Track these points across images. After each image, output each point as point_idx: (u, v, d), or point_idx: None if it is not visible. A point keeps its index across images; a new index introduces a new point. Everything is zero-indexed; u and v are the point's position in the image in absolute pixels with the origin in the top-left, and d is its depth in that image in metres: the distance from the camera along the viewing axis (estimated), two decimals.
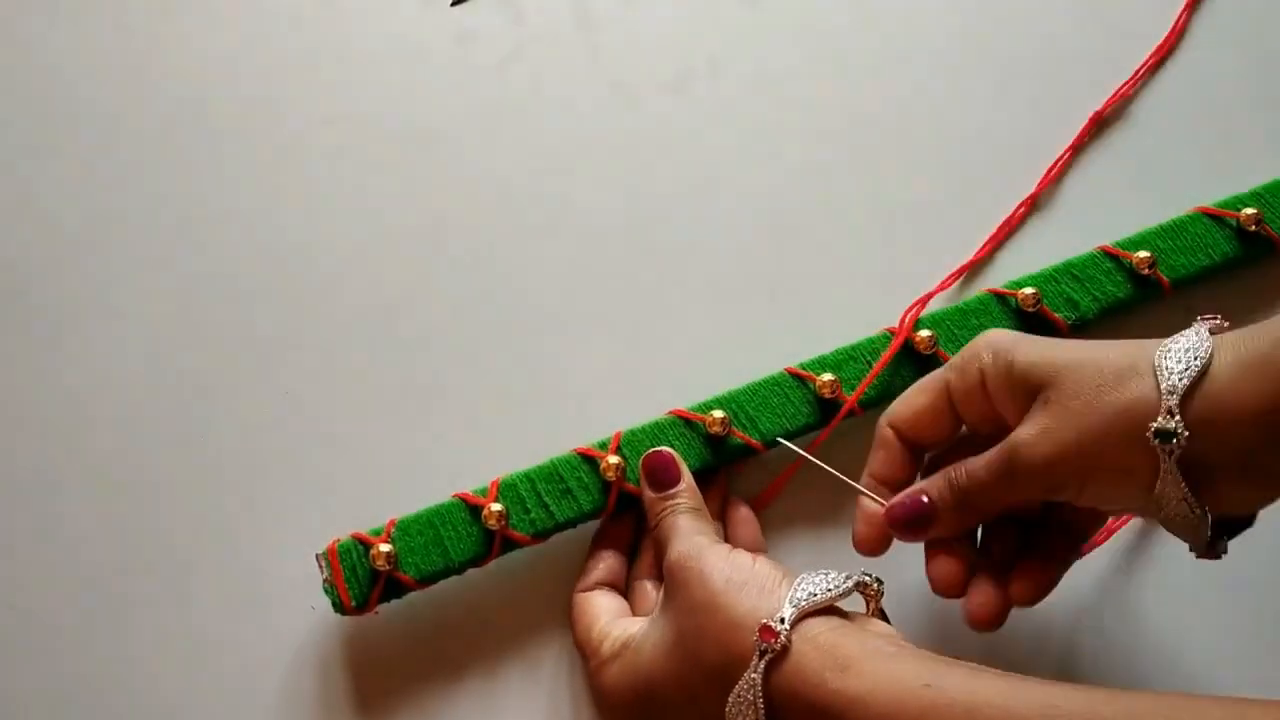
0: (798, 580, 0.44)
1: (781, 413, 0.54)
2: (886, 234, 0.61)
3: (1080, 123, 0.63)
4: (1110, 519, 0.51)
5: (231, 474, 0.55)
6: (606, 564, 0.52)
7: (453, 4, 0.66)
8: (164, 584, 0.53)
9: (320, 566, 0.50)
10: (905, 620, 0.48)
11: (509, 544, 0.51)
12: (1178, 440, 0.40)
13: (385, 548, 0.50)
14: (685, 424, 0.53)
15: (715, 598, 0.44)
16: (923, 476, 0.48)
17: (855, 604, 0.46)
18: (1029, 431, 0.43)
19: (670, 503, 0.50)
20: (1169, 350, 0.42)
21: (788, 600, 0.43)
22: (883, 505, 0.48)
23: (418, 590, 0.51)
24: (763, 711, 0.41)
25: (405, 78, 0.64)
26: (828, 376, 0.54)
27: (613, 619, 0.49)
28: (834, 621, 0.43)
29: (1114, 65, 0.64)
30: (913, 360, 0.55)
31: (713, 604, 0.44)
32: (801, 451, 0.52)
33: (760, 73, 0.65)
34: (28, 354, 0.58)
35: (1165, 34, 0.65)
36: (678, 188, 0.62)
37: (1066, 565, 0.48)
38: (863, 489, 0.49)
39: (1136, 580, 0.53)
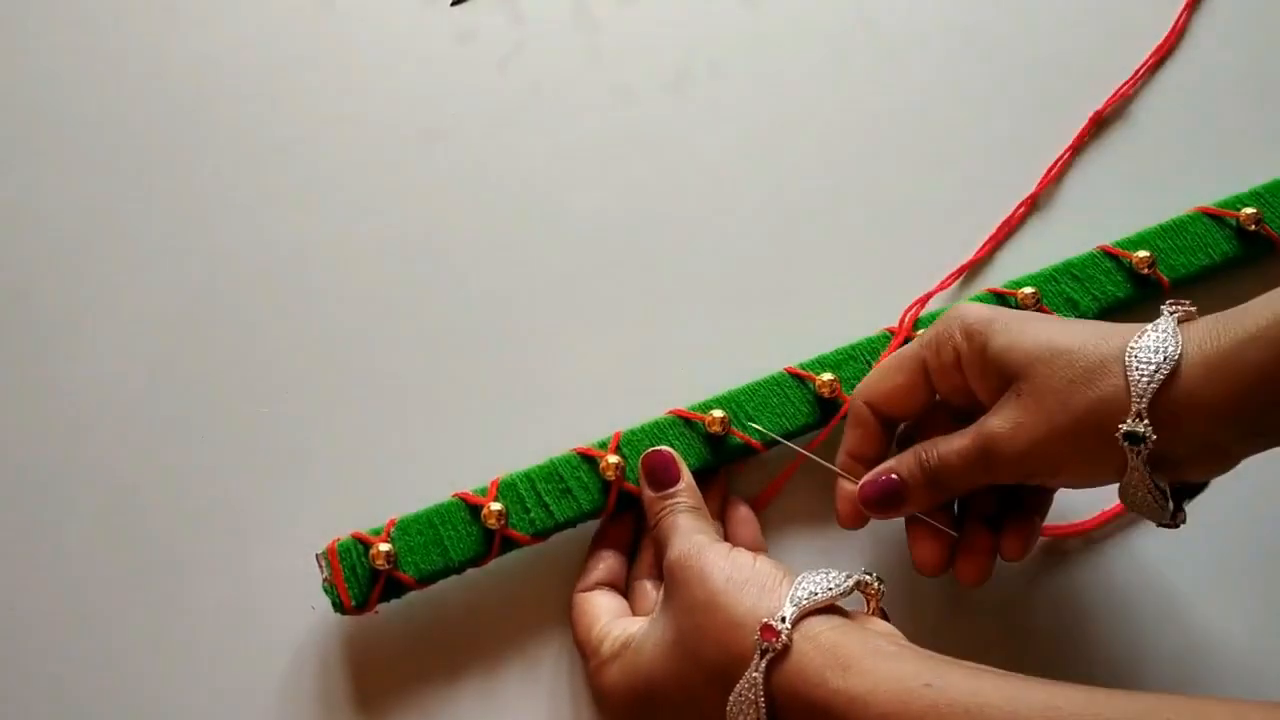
0: (798, 579, 0.44)
1: (781, 412, 0.54)
2: (886, 234, 0.61)
3: (1080, 123, 0.63)
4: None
5: (231, 474, 0.55)
6: (606, 564, 0.52)
7: (453, 4, 0.67)
8: (164, 584, 0.53)
9: (320, 566, 0.50)
10: (905, 621, 0.49)
11: (509, 544, 0.51)
12: (1146, 443, 0.42)
13: (385, 547, 0.50)
14: (685, 423, 0.53)
15: (715, 597, 0.44)
16: (897, 448, 0.50)
17: (855, 603, 0.46)
18: (1002, 425, 0.45)
19: (670, 502, 0.50)
20: (1139, 347, 0.43)
21: (788, 599, 0.43)
22: (856, 485, 0.49)
23: (417, 590, 0.51)
24: (764, 711, 0.41)
25: (405, 78, 0.64)
26: (827, 376, 0.54)
27: (613, 619, 0.49)
28: (835, 620, 0.43)
29: (1114, 65, 0.64)
30: None
31: (713, 603, 0.44)
32: (771, 434, 0.53)
33: (760, 73, 0.65)
34: (27, 354, 0.58)
35: (1165, 34, 0.65)
36: (677, 188, 0.62)
37: (1044, 514, 0.49)
38: (837, 469, 0.50)
39: (1136, 581, 0.53)
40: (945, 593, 0.52)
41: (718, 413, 0.53)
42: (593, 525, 0.53)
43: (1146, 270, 0.56)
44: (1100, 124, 0.63)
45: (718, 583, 0.44)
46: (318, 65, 0.65)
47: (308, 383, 0.57)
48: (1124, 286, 0.56)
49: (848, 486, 0.50)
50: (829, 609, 0.43)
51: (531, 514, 0.51)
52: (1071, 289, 0.56)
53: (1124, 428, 0.42)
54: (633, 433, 0.53)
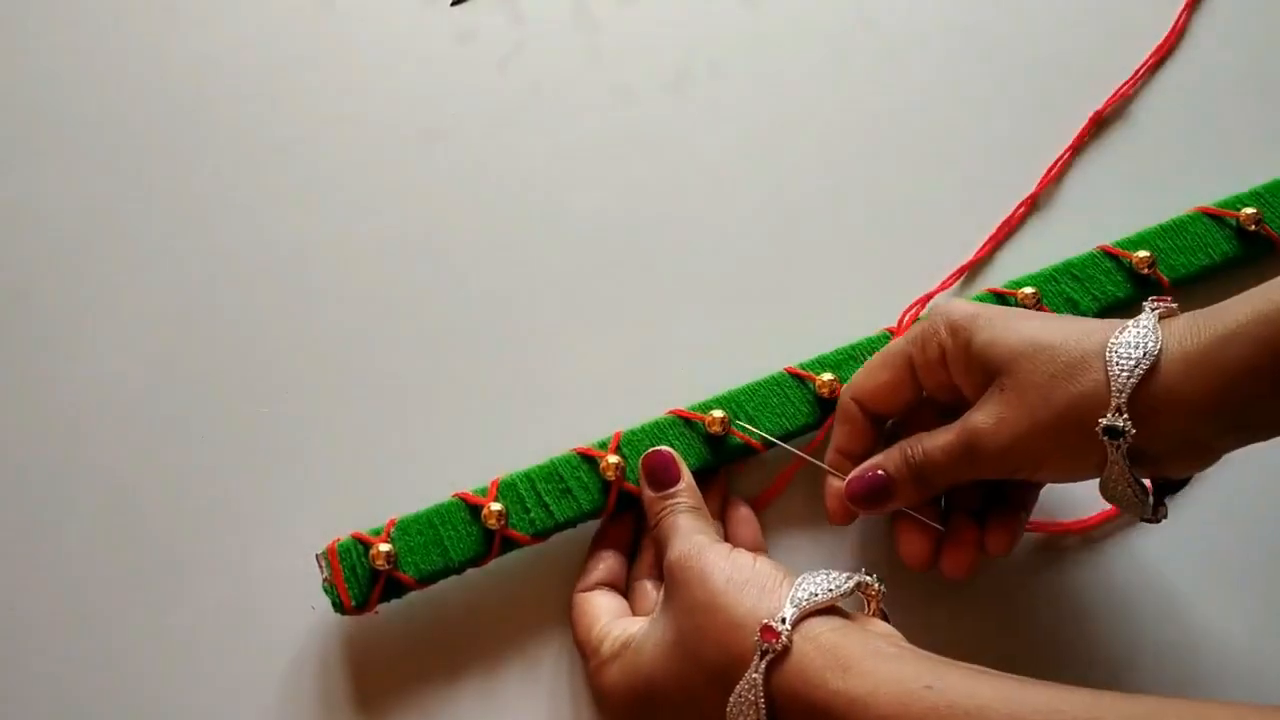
0: (798, 580, 0.44)
1: (781, 412, 0.54)
2: (886, 234, 0.61)
3: (1080, 123, 0.63)
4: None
5: (231, 474, 0.55)
6: (606, 564, 0.52)
7: (453, 4, 0.66)
8: (164, 584, 0.53)
9: (320, 566, 0.50)
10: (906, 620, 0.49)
11: (509, 544, 0.51)
12: (1125, 437, 0.42)
13: (385, 547, 0.50)
14: (685, 424, 0.53)
15: (715, 598, 0.44)
16: (883, 445, 0.50)
17: (855, 604, 0.46)
18: (985, 420, 0.45)
19: (670, 502, 0.50)
20: (1119, 343, 0.43)
21: (789, 600, 0.43)
22: (844, 481, 0.49)
23: (417, 590, 0.51)
24: (764, 712, 0.41)
25: (405, 78, 0.64)
26: (827, 376, 0.54)
27: (613, 619, 0.49)
28: (835, 621, 0.43)
29: (1114, 65, 0.64)
30: None
31: (713, 604, 0.44)
32: (761, 433, 0.53)
33: (760, 73, 0.65)
34: (27, 354, 0.58)
35: (1165, 34, 0.65)
36: (677, 188, 0.62)
37: (1030, 510, 0.50)
38: (827, 466, 0.51)
39: (1136, 580, 0.53)
40: (945, 593, 0.52)
41: (718, 413, 0.53)
42: (593, 525, 0.53)
43: (1146, 270, 0.56)
44: (1100, 124, 0.63)
45: (718, 583, 0.44)
46: (318, 65, 0.65)
47: (308, 383, 0.57)
48: (1124, 286, 0.56)
49: (836, 483, 0.50)
50: (829, 610, 0.43)
51: (531, 514, 0.51)
52: (1071, 289, 0.56)
53: (1103, 422, 0.43)
54: (633, 433, 0.53)
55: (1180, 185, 0.60)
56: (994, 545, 0.49)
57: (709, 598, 0.44)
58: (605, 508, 0.52)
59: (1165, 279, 0.56)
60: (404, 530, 0.51)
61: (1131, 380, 0.42)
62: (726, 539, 0.51)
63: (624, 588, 0.52)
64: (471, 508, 0.51)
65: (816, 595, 0.43)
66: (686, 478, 0.51)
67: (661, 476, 0.51)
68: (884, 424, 0.52)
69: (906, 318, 0.56)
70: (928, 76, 0.65)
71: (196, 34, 0.65)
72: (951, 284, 0.59)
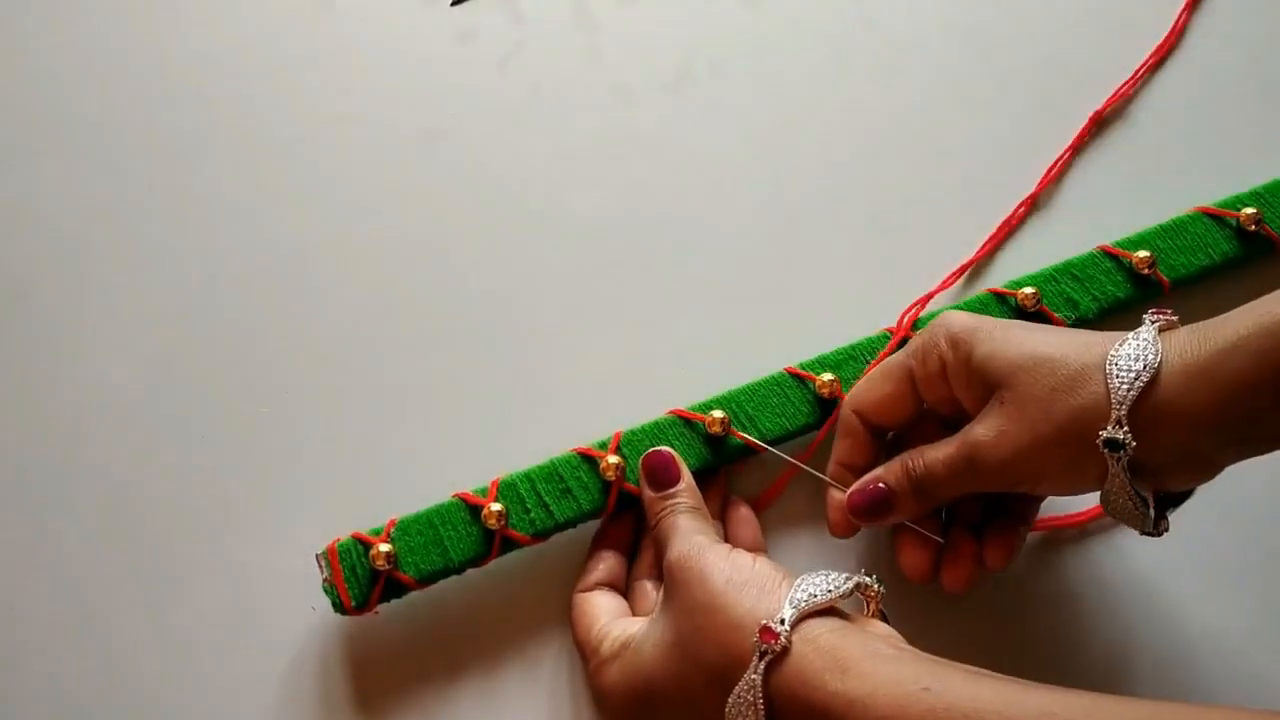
0: (798, 581, 0.44)
1: (781, 412, 0.54)
2: (886, 234, 0.61)
3: (1080, 123, 0.63)
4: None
5: (231, 474, 0.55)
6: (606, 564, 0.52)
7: (453, 4, 0.66)
8: (164, 584, 0.53)
9: (320, 566, 0.50)
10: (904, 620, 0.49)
11: (509, 544, 0.51)
12: (1126, 450, 0.42)
13: (385, 547, 0.50)
14: (685, 424, 0.53)
15: (715, 598, 0.44)
16: (885, 457, 0.50)
17: (855, 605, 0.46)
18: (986, 434, 0.45)
19: (670, 502, 0.50)
20: (1119, 355, 0.43)
21: (788, 601, 0.43)
22: (845, 494, 0.49)
23: (418, 590, 0.51)
24: (763, 712, 0.41)
25: (405, 77, 0.64)
26: (827, 376, 0.54)
27: (612, 619, 0.49)
28: (834, 623, 0.43)
29: (1114, 65, 0.64)
30: None
31: (712, 604, 0.44)
32: (759, 442, 0.53)
33: (760, 73, 0.65)
34: (27, 355, 0.58)
35: (1165, 34, 0.65)
36: (677, 188, 0.62)
37: (1030, 524, 0.50)
38: (827, 479, 0.51)
39: (1134, 581, 0.53)
40: (943, 594, 0.52)
41: (718, 413, 0.53)
42: (593, 525, 0.53)
43: (1146, 270, 0.56)
44: (1100, 124, 0.63)
45: (717, 584, 0.44)
46: (318, 65, 0.65)
47: (307, 383, 0.57)
48: (1124, 286, 0.56)
49: (838, 495, 0.50)
50: (828, 611, 0.43)
51: (531, 514, 0.51)
52: (1072, 289, 0.56)
53: (1104, 434, 0.43)
54: (633, 433, 0.53)
55: (1180, 185, 0.60)
56: (992, 560, 0.49)
57: (708, 598, 0.44)
58: (605, 508, 0.52)
59: (1165, 279, 0.56)
60: (404, 530, 0.51)
61: (1132, 393, 0.42)
62: (726, 539, 0.52)
63: (624, 588, 0.52)
64: (471, 508, 0.51)
65: (816, 596, 0.43)
66: (686, 478, 0.51)
67: (661, 476, 0.51)
68: (885, 437, 0.52)
69: (906, 318, 0.56)
70: (928, 76, 0.65)
71: (197, 34, 0.65)
72: (951, 284, 0.59)
